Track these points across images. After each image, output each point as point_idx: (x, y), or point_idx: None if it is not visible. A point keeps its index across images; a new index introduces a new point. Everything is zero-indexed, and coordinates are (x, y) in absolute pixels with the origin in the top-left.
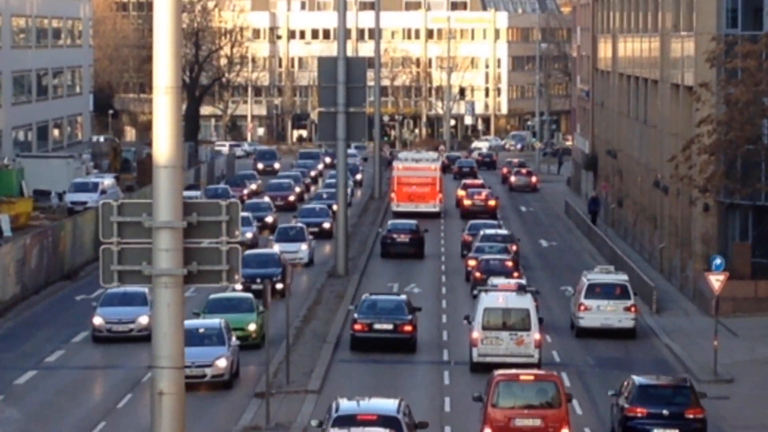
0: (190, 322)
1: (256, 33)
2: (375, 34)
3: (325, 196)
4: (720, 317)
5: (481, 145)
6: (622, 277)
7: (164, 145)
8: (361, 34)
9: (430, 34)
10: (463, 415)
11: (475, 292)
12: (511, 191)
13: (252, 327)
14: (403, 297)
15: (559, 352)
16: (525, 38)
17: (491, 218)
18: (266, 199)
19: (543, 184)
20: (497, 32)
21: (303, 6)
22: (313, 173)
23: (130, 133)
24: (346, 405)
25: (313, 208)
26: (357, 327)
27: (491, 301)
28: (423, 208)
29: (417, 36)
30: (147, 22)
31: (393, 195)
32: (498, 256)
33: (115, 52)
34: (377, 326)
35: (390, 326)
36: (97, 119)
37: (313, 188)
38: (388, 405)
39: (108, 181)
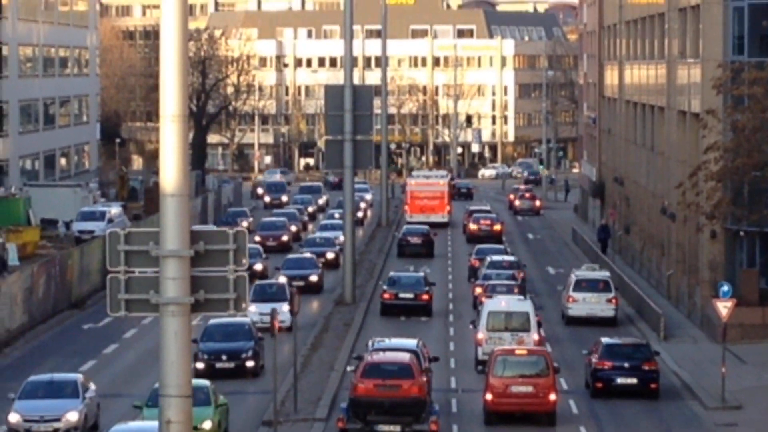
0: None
1: (263, 61)
2: (382, 61)
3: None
4: (728, 344)
5: (488, 173)
6: (604, 274)
7: (171, 173)
8: (367, 61)
9: (436, 61)
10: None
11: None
12: (516, 215)
13: (207, 425)
14: (421, 274)
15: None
16: (531, 65)
17: (497, 242)
18: (256, 239)
19: (550, 211)
20: (504, 60)
21: (309, 34)
22: (311, 209)
23: (137, 162)
24: (379, 341)
25: (315, 239)
26: (386, 296)
27: (494, 305)
28: (433, 218)
29: (424, 64)
30: (154, 51)
31: (407, 207)
32: (505, 282)
33: (122, 80)
34: (401, 295)
35: (411, 296)
36: (105, 148)
37: (311, 226)
38: (411, 341)
39: (115, 209)
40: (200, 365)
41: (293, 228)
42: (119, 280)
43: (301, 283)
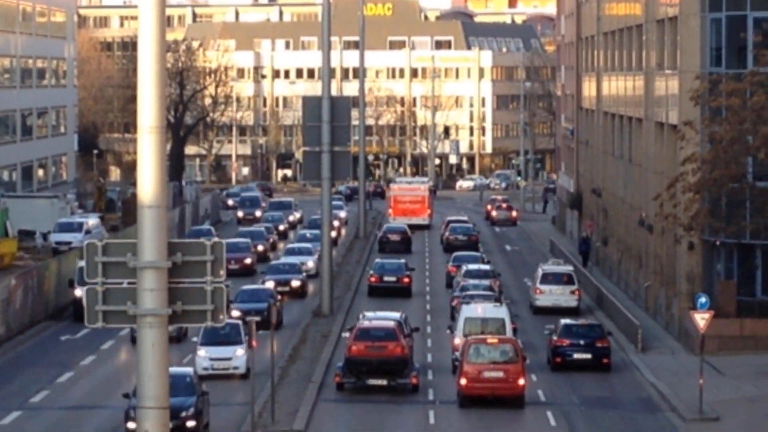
0: None
1: (241, 72)
2: (359, 73)
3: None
4: (705, 355)
5: (466, 185)
6: (568, 268)
7: (149, 184)
8: (345, 73)
9: (414, 73)
10: None
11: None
12: (493, 225)
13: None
14: (403, 261)
15: (544, 391)
16: (509, 77)
17: (474, 250)
18: None
19: (528, 223)
20: (481, 71)
21: (287, 45)
22: (282, 227)
23: (115, 173)
24: (369, 314)
25: (279, 265)
26: (372, 279)
27: (471, 312)
28: (415, 221)
29: (401, 75)
30: (131, 62)
31: (390, 210)
32: (482, 293)
33: (99, 92)
34: (386, 278)
35: (394, 279)
36: (82, 159)
37: (282, 245)
38: (395, 314)
39: (93, 221)
40: (131, 425)
41: (260, 248)
42: (97, 292)
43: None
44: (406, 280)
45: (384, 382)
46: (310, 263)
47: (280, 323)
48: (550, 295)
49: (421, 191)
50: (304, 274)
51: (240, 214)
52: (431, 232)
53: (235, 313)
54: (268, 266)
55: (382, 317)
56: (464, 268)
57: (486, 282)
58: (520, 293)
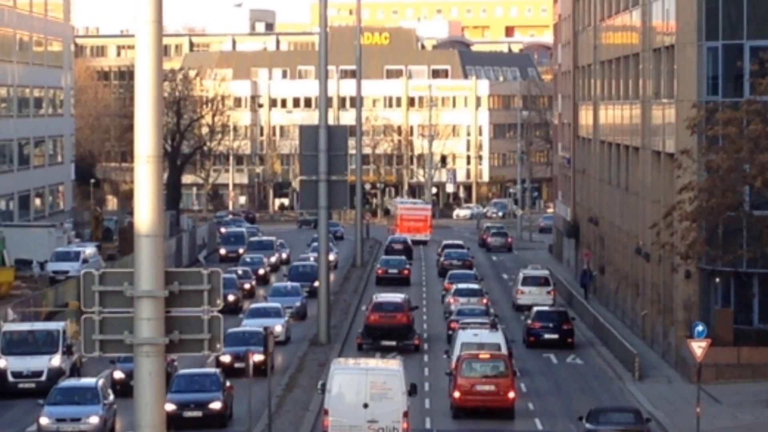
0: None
1: (238, 102)
2: (356, 102)
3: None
4: (702, 384)
5: (462, 213)
6: (545, 272)
7: (145, 214)
8: (342, 102)
9: (411, 102)
10: None
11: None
12: (488, 251)
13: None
14: (403, 257)
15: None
16: (506, 106)
17: (468, 269)
18: None
19: (525, 251)
20: (478, 100)
21: (284, 75)
22: (261, 271)
23: (112, 202)
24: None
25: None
26: (379, 272)
27: (467, 337)
28: (418, 237)
29: (398, 104)
30: (128, 91)
31: (396, 227)
32: (479, 320)
33: (96, 121)
34: (390, 270)
35: (396, 271)
36: (79, 188)
37: (261, 292)
38: (401, 295)
39: (90, 250)
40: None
41: (230, 297)
42: (93, 321)
43: (197, 414)
44: (405, 272)
45: (393, 343)
46: (278, 328)
47: (230, 417)
48: (530, 295)
49: (425, 211)
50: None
51: (222, 251)
52: (429, 245)
53: (169, 407)
54: (226, 333)
55: (391, 296)
56: (454, 287)
57: (480, 306)
58: (515, 322)
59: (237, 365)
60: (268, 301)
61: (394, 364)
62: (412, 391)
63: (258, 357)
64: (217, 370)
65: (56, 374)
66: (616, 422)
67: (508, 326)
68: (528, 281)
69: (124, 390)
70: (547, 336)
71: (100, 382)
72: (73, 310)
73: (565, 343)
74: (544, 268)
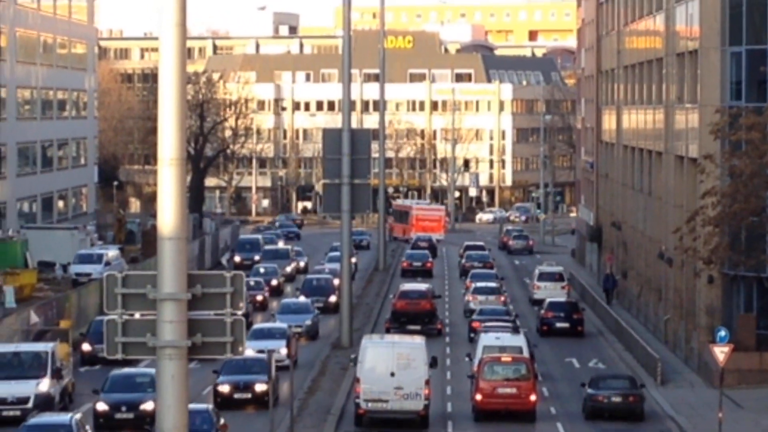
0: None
1: (261, 105)
2: (380, 105)
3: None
4: (725, 389)
5: (485, 217)
6: (559, 268)
7: (169, 216)
8: (365, 105)
9: (434, 105)
10: None
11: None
12: (510, 254)
13: None
14: (427, 251)
15: (563, 420)
16: (529, 110)
17: (490, 269)
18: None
19: (547, 255)
20: (502, 104)
21: (308, 78)
22: (275, 282)
23: (135, 205)
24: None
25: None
26: (404, 264)
27: (489, 340)
28: (432, 236)
29: (422, 108)
30: (152, 94)
31: (412, 227)
32: (500, 324)
33: (120, 123)
34: (414, 263)
35: (420, 264)
36: (102, 191)
37: (274, 304)
38: (425, 285)
39: (112, 252)
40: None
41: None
42: (116, 323)
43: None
44: (429, 265)
45: (418, 327)
46: (283, 350)
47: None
48: (545, 290)
49: (439, 212)
50: (264, 377)
51: (237, 258)
52: (452, 246)
53: (204, 405)
54: (222, 363)
55: (416, 285)
56: (473, 285)
57: (500, 306)
58: (533, 316)
59: (237, 396)
60: (276, 319)
61: (417, 339)
62: (433, 363)
63: (261, 387)
64: (209, 407)
65: (44, 401)
66: (613, 387)
67: (525, 319)
68: (543, 277)
69: (109, 424)
70: (558, 325)
71: (77, 417)
72: (65, 329)
73: (575, 331)
74: (559, 266)
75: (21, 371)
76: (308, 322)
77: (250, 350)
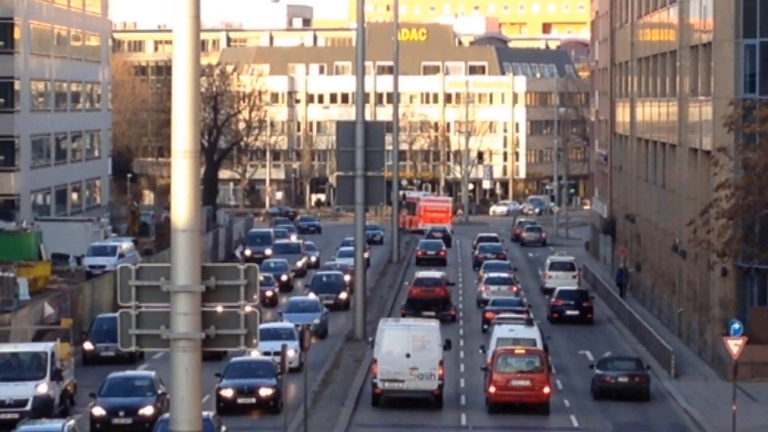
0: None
1: (275, 97)
2: (393, 98)
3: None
4: (739, 382)
5: (499, 210)
6: (570, 258)
7: (182, 208)
8: (379, 98)
9: (448, 98)
10: None
11: (486, 327)
12: (523, 246)
13: None
14: (440, 240)
15: (577, 415)
16: (543, 102)
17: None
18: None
19: (560, 248)
20: (515, 96)
21: (321, 70)
22: (284, 277)
23: (149, 197)
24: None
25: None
26: (419, 253)
27: (503, 332)
28: (439, 227)
29: (435, 100)
30: (166, 86)
31: (419, 218)
32: (514, 315)
33: (133, 115)
34: (429, 252)
35: (434, 252)
36: (116, 183)
37: (284, 300)
38: (439, 272)
39: (126, 244)
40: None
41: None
42: (130, 316)
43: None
44: (442, 253)
45: (433, 313)
46: (291, 352)
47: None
48: (556, 279)
49: (446, 203)
50: (273, 380)
51: (247, 252)
52: (465, 238)
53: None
54: (226, 364)
55: (431, 273)
56: (486, 275)
57: (512, 296)
58: (544, 305)
59: (241, 400)
60: (283, 318)
61: (432, 322)
62: (447, 345)
63: (266, 391)
64: (210, 414)
65: (43, 403)
66: (621, 368)
67: (537, 310)
68: (555, 266)
69: (107, 430)
70: (568, 312)
71: (69, 424)
72: (66, 328)
73: (585, 318)
74: (569, 255)
75: (19, 372)
76: (317, 321)
77: (255, 351)
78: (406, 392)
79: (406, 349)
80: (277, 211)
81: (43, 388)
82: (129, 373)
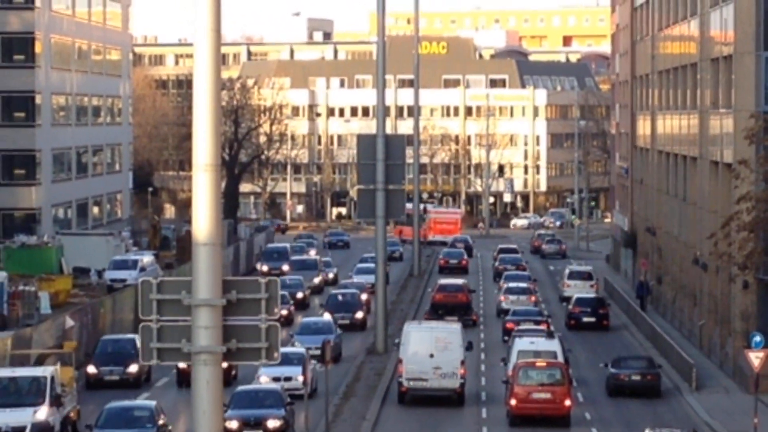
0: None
1: (296, 110)
2: (414, 111)
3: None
4: (760, 394)
5: (520, 223)
6: (588, 268)
7: (203, 222)
8: (400, 111)
9: (468, 111)
10: None
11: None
12: (543, 258)
13: None
14: (462, 250)
15: (599, 428)
16: (564, 115)
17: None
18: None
19: (581, 261)
20: (536, 109)
21: (342, 84)
22: (300, 294)
23: (170, 211)
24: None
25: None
26: (441, 262)
27: (524, 345)
28: (468, 237)
29: (456, 113)
30: (186, 100)
31: (429, 229)
32: (533, 327)
33: (154, 129)
34: (451, 261)
35: (456, 261)
36: (137, 197)
37: (299, 318)
38: (460, 280)
39: (147, 258)
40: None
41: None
42: (151, 329)
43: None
44: (464, 262)
45: (455, 318)
46: (300, 377)
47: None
48: (575, 288)
49: (456, 215)
50: (285, 406)
51: (264, 268)
52: (485, 250)
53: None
54: (231, 393)
55: (453, 280)
56: (505, 285)
57: (532, 306)
58: (575, 332)
59: None
60: (295, 341)
61: (454, 325)
62: (469, 347)
63: (274, 423)
64: None
65: (42, 430)
66: (633, 367)
67: (556, 319)
68: (573, 275)
69: None
70: (585, 319)
71: None
72: (68, 351)
73: (601, 325)
74: (588, 264)
75: (18, 398)
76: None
77: (264, 377)
78: (430, 390)
79: (429, 349)
80: (333, 240)
81: (41, 414)
82: (128, 403)
